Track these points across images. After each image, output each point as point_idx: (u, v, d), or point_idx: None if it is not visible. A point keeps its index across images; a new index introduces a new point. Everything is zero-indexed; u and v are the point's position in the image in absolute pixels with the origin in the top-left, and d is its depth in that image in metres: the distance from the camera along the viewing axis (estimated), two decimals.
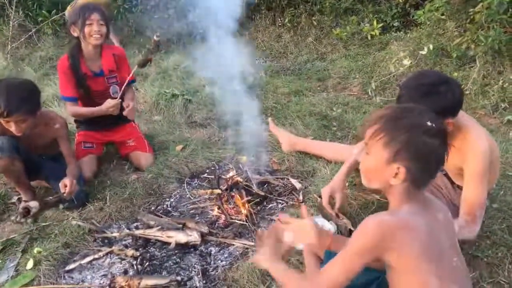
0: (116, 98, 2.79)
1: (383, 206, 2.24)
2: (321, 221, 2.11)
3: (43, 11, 6.02)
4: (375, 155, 1.27)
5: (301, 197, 2.47)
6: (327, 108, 3.66)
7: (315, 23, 5.99)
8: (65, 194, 2.32)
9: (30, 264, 2.03)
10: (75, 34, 2.65)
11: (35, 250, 2.11)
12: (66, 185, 2.32)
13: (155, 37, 2.72)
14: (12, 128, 2.21)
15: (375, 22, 5.52)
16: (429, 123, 1.21)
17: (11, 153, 2.26)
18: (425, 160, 1.21)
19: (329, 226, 2.08)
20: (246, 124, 3.39)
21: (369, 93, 3.99)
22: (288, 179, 2.66)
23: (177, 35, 6.06)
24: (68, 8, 5.07)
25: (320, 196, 2.31)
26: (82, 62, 2.74)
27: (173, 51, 5.68)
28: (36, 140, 2.46)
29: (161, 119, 3.64)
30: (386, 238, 1.16)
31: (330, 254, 1.66)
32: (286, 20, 6.02)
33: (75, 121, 3.05)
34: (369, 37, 5.50)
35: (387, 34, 5.38)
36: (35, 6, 6.11)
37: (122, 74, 2.86)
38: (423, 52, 3.91)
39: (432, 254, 1.18)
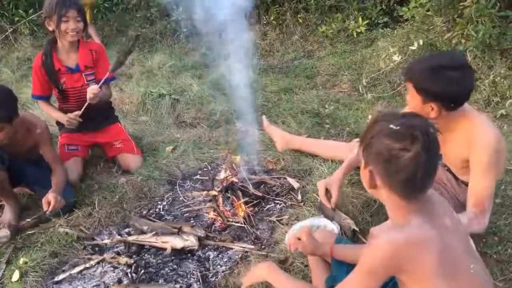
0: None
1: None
2: (323, 221, 2.04)
3: (19, 11, 5.78)
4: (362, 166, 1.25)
5: (299, 197, 2.39)
6: (319, 106, 3.59)
7: (300, 20, 5.92)
8: (48, 212, 2.16)
9: (16, 276, 1.89)
10: (50, 28, 2.50)
11: (21, 260, 1.97)
12: (49, 201, 2.16)
13: (134, 33, 2.59)
14: None
15: (360, 19, 5.50)
16: (393, 126, 1.13)
17: None
18: (391, 165, 1.14)
19: (332, 226, 2.00)
20: (237, 123, 3.30)
21: (360, 89, 3.94)
22: (285, 178, 2.57)
23: (160, 34, 5.93)
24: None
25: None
26: (55, 57, 2.60)
27: (157, 50, 5.53)
28: (18, 147, 2.30)
29: (148, 119, 3.51)
30: (397, 259, 1.11)
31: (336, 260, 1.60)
32: (272, 18, 5.94)
33: (57, 123, 2.89)
34: (355, 34, 5.48)
35: (374, 31, 5.36)
36: (10, 6, 5.86)
37: (100, 71, 2.69)
38: (413, 48, 3.88)
39: (447, 267, 1.10)
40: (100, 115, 2.84)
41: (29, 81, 4.46)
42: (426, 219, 1.15)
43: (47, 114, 2.87)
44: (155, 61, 4.93)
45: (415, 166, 1.11)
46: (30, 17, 5.77)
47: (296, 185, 2.47)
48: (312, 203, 2.30)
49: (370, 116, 3.31)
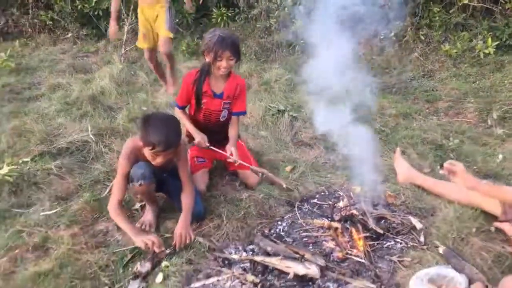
0: (220, 122, 2.99)
1: None
2: (451, 272, 1.99)
3: None
4: None
5: (422, 239, 2.36)
6: (442, 137, 3.46)
7: (422, 37, 5.70)
8: (177, 248, 2.35)
9: (159, 278, 2.16)
10: (207, 60, 2.75)
11: (163, 264, 2.24)
12: (180, 235, 2.36)
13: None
14: (158, 160, 2.37)
15: (489, 40, 5.13)
16: None
17: (151, 180, 2.44)
18: None
19: (460, 280, 1.96)
20: (356, 148, 3.31)
21: (489, 122, 3.69)
22: (406, 216, 2.54)
23: (277, 44, 6.12)
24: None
25: (446, 247, 2.20)
26: (207, 81, 2.85)
27: (273, 60, 5.74)
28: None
29: (268, 135, 3.68)
30: None
31: None
32: (392, 34, 5.80)
33: (187, 135, 3.15)
34: (482, 56, 5.13)
35: (505, 55, 4.96)
36: None
37: (237, 104, 2.97)
38: None
39: None
40: (224, 131, 3.05)
41: (161, 85, 4.96)
42: None
43: (182, 122, 3.07)
44: (273, 74, 5.11)
45: None
46: None
47: (419, 225, 2.44)
48: (436, 248, 2.25)
49: (500, 156, 3.11)
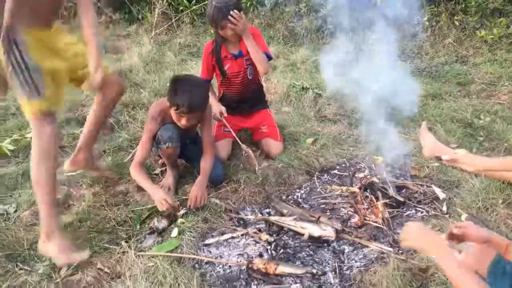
0: (251, 79, 2.95)
1: None
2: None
3: (184, 1, 6.47)
4: None
5: (444, 208, 2.27)
6: (472, 116, 3.32)
7: (456, 23, 5.50)
8: (191, 207, 2.35)
9: (174, 233, 2.17)
10: (214, 29, 2.78)
11: (179, 220, 2.26)
12: (195, 196, 2.36)
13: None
14: (183, 122, 2.38)
15: None
16: None
17: (178, 143, 2.48)
18: None
19: None
20: (381, 123, 3.23)
21: None
22: (429, 186, 2.46)
23: (306, 29, 6.06)
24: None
25: (468, 214, 2.11)
26: (223, 46, 2.86)
27: (301, 44, 5.68)
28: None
29: (291, 111, 3.65)
30: None
31: (496, 274, 1.49)
32: (425, 19, 5.63)
33: None
34: None
35: None
36: None
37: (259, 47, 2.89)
38: None
39: None
40: (253, 99, 3.06)
41: (188, 64, 5.01)
42: None
43: None
44: (299, 55, 5.08)
45: None
46: (193, 8, 6.42)
47: (442, 195, 2.35)
48: (459, 217, 2.17)
49: None
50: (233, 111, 3.03)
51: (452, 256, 1.37)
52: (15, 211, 2.42)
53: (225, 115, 2.89)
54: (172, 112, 2.40)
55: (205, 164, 2.55)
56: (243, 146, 2.85)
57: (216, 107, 2.91)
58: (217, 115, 2.88)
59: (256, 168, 2.74)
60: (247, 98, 3.03)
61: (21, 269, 2.00)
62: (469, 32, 5.41)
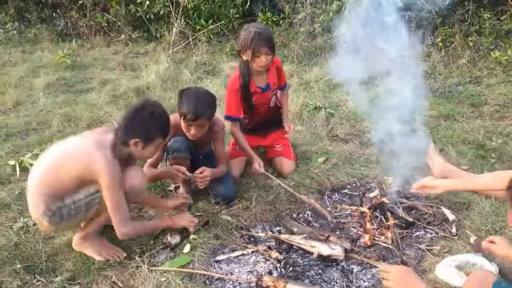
0: (271, 108, 3.05)
1: None
2: (480, 260, 1.92)
3: (201, 20, 6.65)
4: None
5: (454, 230, 2.28)
6: (485, 137, 3.33)
7: (470, 44, 5.52)
8: (199, 184, 2.55)
9: (187, 248, 2.23)
10: (244, 58, 2.74)
11: (191, 236, 2.32)
12: (202, 172, 2.54)
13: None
14: (191, 132, 2.47)
15: None
16: None
17: (186, 155, 2.59)
18: None
19: (490, 267, 1.88)
20: (392, 144, 3.26)
21: None
22: (439, 208, 2.48)
23: (320, 48, 6.15)
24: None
25: (477, 237, 2.12)
26: (252, 81, 2.84)
27: (315, 64, 5.77)
28: (198, 140, 2.68)
29: (303, 129, 3.70)
30: None
31: None
32: (438, 40, 5.67)
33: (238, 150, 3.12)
34: None
35: None
36: (194, 15, 6.77)
37: (280, 84, 3.03)
38: None
39: None
40: (273, 121, 3.14)
41: (203, 83, 5.13)
42: None
43: (239, 143, 2.94)
44: (313, 74, 5.16)
45: None
46: (209, 27, 6.59)
47: (451, 217, 2.37)
48: (468, 239, 2.18)
49: None
50: (251, 132, 3.09)
51: None
52: (34, 224, 2.51)
53: (262, 170, 2.81)
54: (182, 124, 2.49)
55: (219, 168, 2.70)
56: (304, 197, 2.65)
57: (254, 160, 2.83)
58: (257, 168, 2.80)
59: (329, 218, 2.50)
60: (267, 122, 3.10)
61: (38, 280, 2.08)
62: (483, 53, 5.41)
